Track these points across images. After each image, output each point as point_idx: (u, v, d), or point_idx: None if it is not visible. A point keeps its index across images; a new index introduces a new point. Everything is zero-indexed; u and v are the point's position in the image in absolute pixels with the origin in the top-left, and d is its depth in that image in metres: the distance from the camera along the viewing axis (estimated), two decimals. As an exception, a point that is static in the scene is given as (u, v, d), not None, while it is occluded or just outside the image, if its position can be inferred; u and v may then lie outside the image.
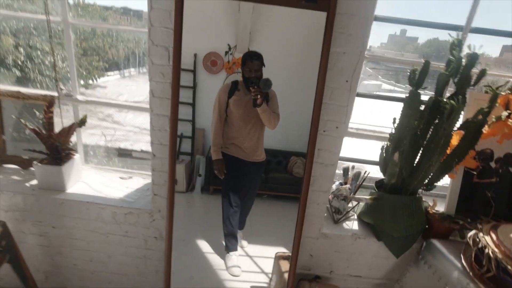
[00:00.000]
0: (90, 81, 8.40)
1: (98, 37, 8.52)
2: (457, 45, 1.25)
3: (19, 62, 6.04)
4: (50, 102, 1.51)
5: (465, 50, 1.26)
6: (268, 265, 1.73)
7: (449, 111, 1.19)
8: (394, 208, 1.51)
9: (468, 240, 1.27)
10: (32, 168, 1.67)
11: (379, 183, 1.73)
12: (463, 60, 1.23)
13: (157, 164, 1.49)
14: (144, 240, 1.66)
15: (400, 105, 1.36)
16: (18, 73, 5.97)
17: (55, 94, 1.66)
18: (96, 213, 1.61)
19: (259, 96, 1.49)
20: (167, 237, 1.45)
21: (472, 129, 1.26)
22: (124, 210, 1.59)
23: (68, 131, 1.55)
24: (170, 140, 1.29)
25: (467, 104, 1.35)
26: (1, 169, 1.75)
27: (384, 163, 1.53)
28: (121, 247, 1.69)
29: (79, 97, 1.70)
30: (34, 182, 1.66)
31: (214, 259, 1.78)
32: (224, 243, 1.79)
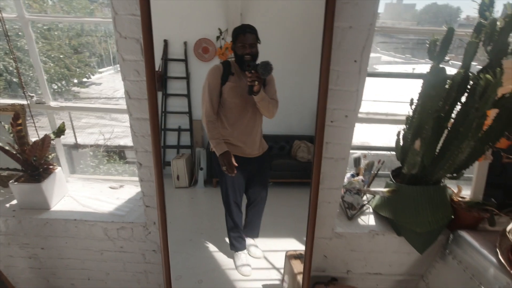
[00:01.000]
0: (85, 79, 8.17)
1: (87, 33, 8.20)
2: (489, 4, 1.02)
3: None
4: (16, 113, 1.32)
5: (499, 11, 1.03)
6: (279, 259, 1.61)
7: (483, 88, 0.98)
8: (415, 201, 1.34)
9: (508, 234, 1.10)
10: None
11: (395, 172, 1.54)
12: (498, 24, 1.00)
13: (145, 173, 1.32)
14: (142, 255, 1.53)
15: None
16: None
17: (25, 102, 1.47)
18: (86, 231, 1.46)
19: (256, 83, 1.24)
20: (163, 252, 1.30)
21: (510, 106, 1.05)
22: (115, 225, 1.44)
23: (42, 144, 1.37)
24: (153, 149, 1.11)
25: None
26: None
27: (401, 151, 1.34)
28: (119, 263, 1.56)
29: (52, 104, 1.51)
30: (15, 201, 1.51)
31: (223, 258, 1.66)
32: (228, 241, 1.64)
